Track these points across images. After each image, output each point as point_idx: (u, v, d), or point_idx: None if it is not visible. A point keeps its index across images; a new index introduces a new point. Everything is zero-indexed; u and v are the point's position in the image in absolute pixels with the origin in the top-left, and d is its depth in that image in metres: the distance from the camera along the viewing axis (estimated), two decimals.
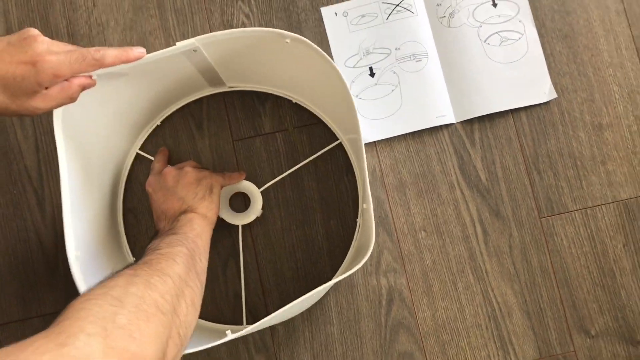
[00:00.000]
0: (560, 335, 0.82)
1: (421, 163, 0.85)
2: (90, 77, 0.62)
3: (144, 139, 0.86)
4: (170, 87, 0.80)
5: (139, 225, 0.85)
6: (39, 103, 0.58)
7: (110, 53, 0.60)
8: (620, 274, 0.83)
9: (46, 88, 0.58)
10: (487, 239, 0.84)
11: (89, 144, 0.73)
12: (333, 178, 0.85)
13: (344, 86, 0.67)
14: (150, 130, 0.86)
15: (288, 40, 0.66)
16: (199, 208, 0.72)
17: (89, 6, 0.88)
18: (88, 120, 0.71)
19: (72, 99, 0.61)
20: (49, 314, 0.82)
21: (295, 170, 0.85)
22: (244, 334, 0.62)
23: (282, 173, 0.85)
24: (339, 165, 0.85)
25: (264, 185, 0.84)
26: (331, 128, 0.85)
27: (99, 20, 0.88)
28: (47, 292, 0.82)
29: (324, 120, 0.85)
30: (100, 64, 0.59)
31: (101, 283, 0.51)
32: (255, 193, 0.83)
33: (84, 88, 0.62)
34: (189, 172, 0.75)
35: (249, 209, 0.83)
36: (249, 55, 0.73)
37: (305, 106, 0.85)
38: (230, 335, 0.61)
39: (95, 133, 0.75)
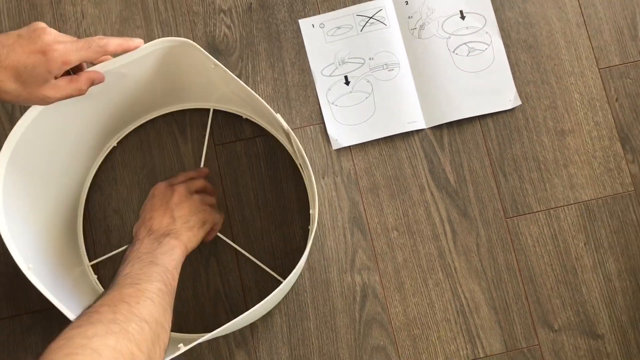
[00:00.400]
0: (525, 329, 0.86)
1: (393, 166, 0.90)
2: (99, 72, 0.66)
3: (101, 159, 0.90)
4: (127, 104, 0.83)
5: (124, 226, 0.88)
6: (48, 91, 0.62)
7: (113, 41, 0.65)
8: (582, 271, 0.88)
9: (56, 78, 0.62)
10: (455, 238, 0.88)
11: (51, 151, 0.77)
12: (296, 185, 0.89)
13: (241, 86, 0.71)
14: (107, 152, 0.90)
15: (212, 65, 0.71)
16: (183, 235, 0.73)
17: (78, 17, 0.93)
18: (45, 143, 0.74)
19: (80, 91, 0.65)
20: (37, 310, 0.85)
21: (275, 173, 0.89)
22: (195, 344, 0.66)
23: (261, 177, 0.89)
24: (315, 169, 0.90)
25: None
26: (280, 141, 0.90)
27: (88, 31, 0.93)
28: (35, 289, 0.86)
29: (273, 134, 0.90)
30: (104, 51, 0.64)
31: (84, 321, 0.53)
32: None
33: (92, 82, 0.66)
34: (195, 200, 0.77)
35: None
36: (186, 73, 0.78)
37: (255, 121, 0.90)
38: (182, 349, 0.66)
39: (53, 154, 0.78)
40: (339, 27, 0.93)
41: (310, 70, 0.92)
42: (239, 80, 0.71)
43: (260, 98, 0.72)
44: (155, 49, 0.72)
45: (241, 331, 0.86)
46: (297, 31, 0.93)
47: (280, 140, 0.89)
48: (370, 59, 0.92)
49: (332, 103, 0.91)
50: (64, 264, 0.80)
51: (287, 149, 0.89)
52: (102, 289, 0.86)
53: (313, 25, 0.93)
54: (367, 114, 0.91)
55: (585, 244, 0.88)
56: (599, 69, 0.93)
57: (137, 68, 0.74)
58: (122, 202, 0.89)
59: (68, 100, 0.66)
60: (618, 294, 0.87)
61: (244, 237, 0.88)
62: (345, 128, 0.90)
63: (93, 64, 0.69)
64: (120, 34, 0.92)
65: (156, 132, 0.91)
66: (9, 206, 0.69)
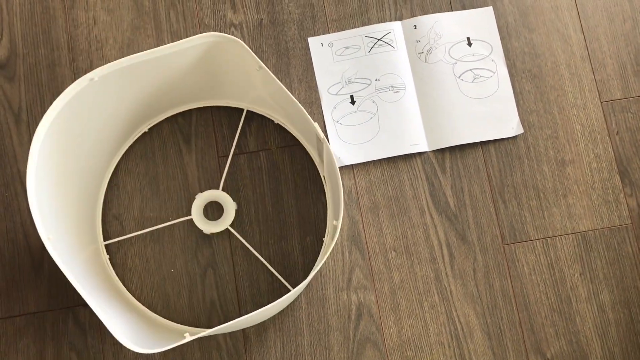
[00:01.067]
0: (517, 356, 0.86)
1: (394, 187, 0.91)
2: None
3: (130, 143, 0.91)
4: (162, 92, 0.85)
5: (123, 232, 0.89)
6: None
7: None
8: (576, 301, 0.88)
9: None
10: (453, 261, 0.89)
11: (78, 139, 0.78)
12: (311, 197, 0.90)
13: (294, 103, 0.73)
14: (137, 136, 0.91)
15: (257, 68, 0.72)
16: None
17: (90, 23, 0.94)
18: (84, 118, 0.76)
19: None
20: (32, 313, 0.85)
21: (276, 187, 0.90)
22: (202, 336, 0.66)
23: (263, 189, 0.90)
24: (317, 184, 0.90)
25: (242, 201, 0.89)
26: (307, 150, 0.91)
27: (99, 37, 0.93)
28: (30, 292, 0.86)
29: (301, 142, 0.91)
30: None
31: None
32: (228, 203, 0.88)
33: None
34: None
35: (221, 218, 0.88)
36: (222, 70, 0.79)
37: (285, 127, 0.91)
38: (188, 338, 0.66)
39: (87, 131, 0.79)
40: (347, 47, 0.94)
41: (317, 87, 0.93)
42: (281, 85, 0.73)
43: (299, 104, 0.73)
44: (203, 42, 0.74)
45: (234, 344, 0.85)
46: (306, 49, 0.94)
47: (307, 149, 0.90)
48: (376, 80, 0.93)
49: (337, 121, 0.92)
50: (80, 240, 0.81)
51: (314, 158, 0.90)
52: (113, 270, 0.87)
53: (322, 43, 0.94)
54: (371, 134, 0.92)
55: (580, 274, 0.89)
56: (601, 102, 0.94)
57: (180, 58, 0.76)
58: (122, 208, 0.89)
59: (109, 78, 0.68)
60: (611, 325, 0.88)
61: (241, 250, 0.88)
62: (348, 147, 0.91)
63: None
64: (131, 42, 0.93)
65: (161, 141, 0.91)
66: (40, 178, 0.70)
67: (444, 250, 0.89)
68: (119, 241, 0.88)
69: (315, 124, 0.73)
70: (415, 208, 0.90)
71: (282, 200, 0.90)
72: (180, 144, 0.91)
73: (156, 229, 0.88)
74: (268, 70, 0.74)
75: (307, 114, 0.72)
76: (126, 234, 0.88)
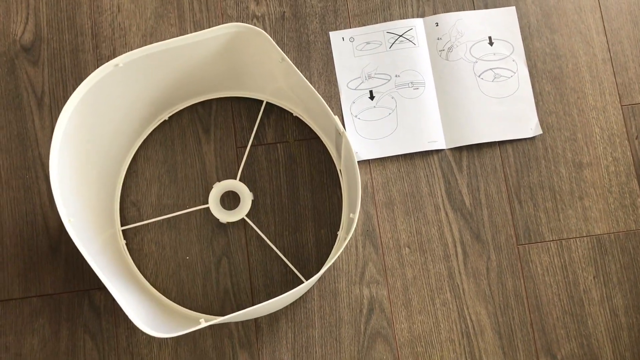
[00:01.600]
0: (528, 356, 0.87)
1: (410, 184, 0.91)
2: None
3: (150, 130, 0.92)
4: (183, 81, 0.85)
5: (141, 219, 0.90)
6: None
7: None
8: (589, 304, 0.88)
9: None
10: (466, 260, 0.89)
11: (100, 125, 0.79)
12: (327, 190, 0.90)
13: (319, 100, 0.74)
14: (157, 124, 0.92)
15: (280, 60, 0.72)
16: None
17: (114, 10, 0.95)
18: (106, 104, 0.77)
19: None
20: (48, 294, 0.86)
21: (292, 179, 0.90)
22: (216, 323, 0.67)
23: (280, 181, 0.91)
24: (333, 178, 0.91)
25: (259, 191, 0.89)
26: (325, 144, 0.91)
27: (122, 25, 0.94)
28: (47, 273, 0.87)
29: (319, 136, 0.91)
30: None
31: None
32: (245, 194, 0.88)
33: None
34: None
35: (237, 207, 0.88)
36: (244, 62, 0.79)
37: (304, 120, 0.91)
38: (203, 324, 0.66)
39: (108, 117, 0.80)
40: (368, 42, 0.94)
41: (337, 82, 0.93)
42: (303, 77, 0.73)
43: (320, 97, 0.73)
44: (226, 32, 0.74)
45: (246, 333, 0.86)
46: (327, 43, 0.95)
47: (325, 143, 0.91)
48: (396, 76, 0.93)
49: (356, 116, 0.92)
50: (98, 224, 0.82)
51: (331, 152, 0.91)
52: (129, 255, 0.88)
53: (343, 38, 0.95)
54: (389, 129, 0.92)
55: (594, 277, 0.89)
56: (621, 105, 0.94)
57: (203, 48, 0.76)
58: (140, 195, 0.90)
59: (133, 65, 0.69)
60: (624, 330, 0.87)
61: (256, 240, 0.89)
62: (366, 142, 0.91)
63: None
64: (154, 30, 0.94)
65: (180, 130, 0.92)
66: (62, 161, 0.70)
67: (457, 248, 0.89)
68: (135, 227, 0.89)
69: (336, 117, 0.73)
70: (431, 205, 0.90)
71: (298, 192, 0.90)
72: (199, 134, 0.92)
73: (173, 217, 0.89)
74: (290, 62, 0.74)
75: (328, 107, 0.73)
76: (143, 220, 0.89)
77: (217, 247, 0.89)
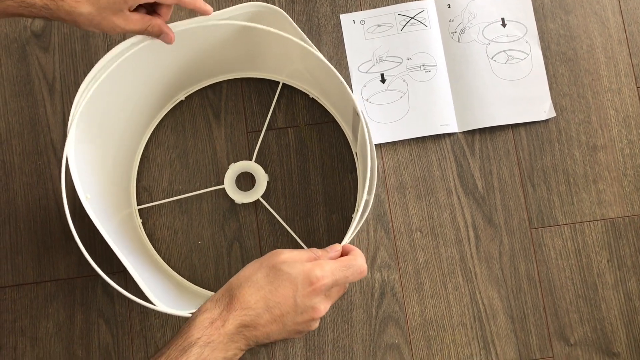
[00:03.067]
0: (540, 340, 0.86)
1: (422, 167, 0.90)
2: (171, 31, 0.69)
3: (164, 114, 0.92)
4: (198, 62, 0.85)
5: (152, 203, 0.90)
6: (119, 21, 0.65)
7: None
8: (602, 288, 0.87)
9: (130, 11, 0.65)
10: (478, 244, 0.88)
11: (116, 103, 0.79)
12: (338, 175, 0.90)
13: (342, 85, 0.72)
14: (174, 104, 0.92)
15: (300, 42, 0.72)
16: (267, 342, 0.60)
17: None
18: (122, 84, 0.77)
19: (147, 32, 0.68)
20: (62, 279, 0.87)
21: (303, 164, 0.90)
22: None
23: (290, 166, 0.90)
24: (345, 162, 0.90)
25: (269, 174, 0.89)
26: (341, 126, 0.91)
27: None
28: (61, 258, 0.88)
29: (335, 118, 0.91)
30: (179, 1, 0.67)
31: None
32: (261, 175, 0.88)
33: (160, 32, 0.68)
34: (322, 311, 0.60)
35: (253, 188, 0.89)
36: (261, 42, 0.79)
37: (320, 102, 0.91)
38: None
39: (124, 98, 0.80)
40: (379, 25, 0.94)
41: (348, 65, 0.93)
42: (322, 57, 0.72)
43: (340, 77, 0.72)
44: (246, 12, 0.74)
45: None
46: (338, 26, 0.94)
47: (341, 125, 0.91)
48: (408, 58, 0.92)
49: (367, 100, 0.92)
50: (115, 203, 0.82)
51: (347, 134, 0.90)
52: (145, 235, 0.89)
53: (354, 21, 0.94)
54: (400, 113, 0.91)
55: (608, 261, 0.88)
56: (637, 87, 0.92)
57: (221, 28, 0.75)
58: (152, 180, 0.90)
59: (154, 46, 0.70)
60: (637, 313, 0.87)
61: (268, 225, 0.89)
62: (377, 125, 0.91)
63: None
64: None
65: (191, 115, 0.92)
66: (79, 138, 0.70)
67: (470, 232, 0.89)
68: (148, 212, 0.89)
69: (354, 96, 0.72)
70: (443, 189, 0.90)
71: (309, 177, 0.90)
72: (210, 118, 0.92)
73: (186, 200, 0.89)
74: (310, 42, 0.73)
75: (347, 87, 0.72)
76: (154, 204, 0.89)
77: (228, 232, 0.89)
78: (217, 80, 0.92)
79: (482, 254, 0.88)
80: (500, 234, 0.89)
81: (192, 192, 0.89)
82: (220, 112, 0.92)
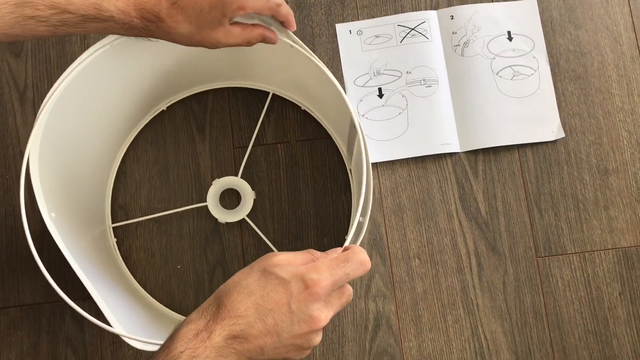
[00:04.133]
0: None
1: (422, 189, 0.84)
2: (274, 32, 0.65)
3: (143, 125, 0.85)
4: (181, 69, 0.79)
5: (128, 220, 0.83)
6: (220, 36, 0.61)
7: (284, 9, 0.64)
8: (614, 323, 0.81)
9: (230, 24, 0.62)
10: (481, 273, 0.82)
11: (88, 112, 0.73)
12: (331, 195, 0.84)
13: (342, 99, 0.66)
14: (154, 115, 0.85)
15: (292, 45, 0.66)
16: None
17: None
18: (94, 91, 0.70)
19: (249, 43, 0.64)
20: (27, 304, 0.80)
21: (294, 182, 0.84)
22: None
23: (280, 185, 0.84)
24: (338, 182, 0.84)
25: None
26: (335, 142, 0.84)
27: None
28: (27, 281, 0.80)
29: (329, 133, 0.84)
30: (275, 12, 0.63)
31: None
32: (247, 192, 0.82)
33: (264, 39, 0.65)
34: (322, 320, 0.50)
35: (238, 207, 0.82)
36: (253, 49, 0.73)
37: (313, 115, 0.85)
38: None
39: (97, 106, 0.74)
40: (377, 36, 0.87)
41: (343, 78, 0.87)
42: (319, 63, 0.66)
43: (338, 84, 0.66)
44: None
45: None
46: (333, 36, 0.88)
47: (335, 140, 0.85)
48: (407, 72, 0.86)
49: (363, 115, 0.85)
50: (87, 221, 0.76)
51: (341, 151, 0.85)
52: (120, 256, 0.82)
53: (350, 31, 0.88)
54: (399, 130, 0.85)
55: (620, 294, 0.82)
56: None
57: None
58: (129, 197, 0.83)
59: (130, 49, 0.66)
60: None
61: (253, 248, 0.82)
62: (374, 143, 0.84)
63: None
64: None
65: (173, 128, 0.85)
66: (44, 150, 0.64)
67: (472, 260, 0.82)
68: (123, 231, 0.82)
69: (352, 107, 0.66)
70: (443, 213, 0.83)
71: (300, 197, 0.84)
72: (193, 132, 0.85)
73: (165, 220, 0.82)
74: (304, 46, 0.67)
75: (345, 95, 0.65)
76: (130, 226, 0.82)
77: (210, 256, 0.82)
78: (202, 90, 0.85)
79: (485, 284, 0.82)
80: (505, 262, 0.82)
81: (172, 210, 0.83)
82: (205, 126, 0.85)
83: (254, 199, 0.82)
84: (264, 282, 0.50)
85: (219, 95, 0.86)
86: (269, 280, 0.50)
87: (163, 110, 0.85)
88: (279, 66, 0.78)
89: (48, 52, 0.86)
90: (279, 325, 0.49)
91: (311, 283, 0.50)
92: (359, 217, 0.64)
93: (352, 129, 0.71)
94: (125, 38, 0.65)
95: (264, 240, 0.82)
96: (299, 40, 0.66)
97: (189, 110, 0.86)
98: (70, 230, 0.69)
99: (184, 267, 0.82)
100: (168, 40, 0.62)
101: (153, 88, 0.80)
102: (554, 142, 0.85)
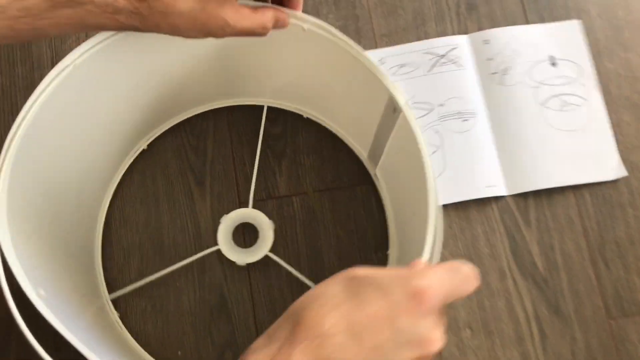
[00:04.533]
0: None
1: (466, 243, 0.71)
2: (285, 13, 0.54)
3: (127, 166, 0.72)
4: (165, 90, 0.66)
5: (116, 302, 0.68)
6: (229, 14, 0.49)
7: None
8: None
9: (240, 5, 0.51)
10: (544, 341, 0.68)
11: (62, 161, 0.60)
12: (359, 253, 0.70)
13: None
14: (135, 156, 0.72)
15: (305, 27, 0.55)
16: None
17: (80, 36, 0.75)
18: (62, 124, 0.57)
19: (263, 29, 0.52)
20: None
21: (313, 241, 0.70)
22: None
23: (296, 243, 0.70)
24: (367, 242, 0.70)
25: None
26: (352, 148, 0.73)
27: None
28: (13, 337, 0.65)
29: (344, 140, 0.73)
30: None
31: None
32: (264, 224, 0.68)
33: (277, 22, 0.53)
34: (437, 342, 0.37)
35: (256, 244, 0.68)
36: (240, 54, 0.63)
37: (318, 121, 0.73)
38: None
39: (73, 149, 0.61)
40: (402, 65, 0.76)
41: None
42: (348, 40, 0.55)
43: (366, 56, 0.54)
44: None
45: None
46: None
47: (352, 146, 0.73)
48: (439, 105, 0.74)
49: None
50: (81, 296, 0.61)
51: (366, 164, 0.72)
52: (125, 329, 0.67)
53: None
54: (435, 172, 0.72)
55: None
56: None
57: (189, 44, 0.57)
58: (116, 270, 0.69)
59: (94, 65, 0.53)
60: None
61: (266, 292, 0.68)
62: None
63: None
64: None
65: (167, 182, 0.72)
66: (15, 215, 0.50)
67: (532, 326, 0.69)
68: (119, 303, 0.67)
69: (395, 85, 0.54)
70: (494, 271, 0.70)
71: (322, 258, 0.70)
72: (191, 186, 0.72)
73: (160, 296, 0.68)
74: (324, 22, 0.55)
75: (383, 70, 0.53)
76: (119, 307, 0.67)
77: (217, 336, 0.67)
78: (187, 117, 0.73)
79: (551, 355, 0.68)
80: (571, 327, 0.69)
81: (168, 284, 0.68)
82: (205, 179, 0.72)
83: (274, 229, 0.69)
84: (355, 289, 0.37)
85: (218, 138, 0.73)
86: (361, 287, 0.37)
87: (144, 149, 0.72)
88: (275, 69, 0.67)
89: (15, 100, 0.72)
90: (379, 348, 0.35)
91: (420, 290, 0.36)
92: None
93: (386, 120, 0.59)
94: (95, 52, 0.52)
95: (276, 284, 0.67)
96: (312, 18, 0.55)
97: (185, 161, 0.72)
98: (69, 307, 0.55)
99: (184, 353, 0.67)
100: (163, 31, 0.49)
101: (131, 121, 0.67)
102: (615, 181, 0.73)
